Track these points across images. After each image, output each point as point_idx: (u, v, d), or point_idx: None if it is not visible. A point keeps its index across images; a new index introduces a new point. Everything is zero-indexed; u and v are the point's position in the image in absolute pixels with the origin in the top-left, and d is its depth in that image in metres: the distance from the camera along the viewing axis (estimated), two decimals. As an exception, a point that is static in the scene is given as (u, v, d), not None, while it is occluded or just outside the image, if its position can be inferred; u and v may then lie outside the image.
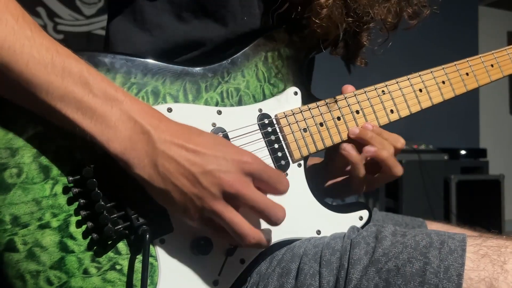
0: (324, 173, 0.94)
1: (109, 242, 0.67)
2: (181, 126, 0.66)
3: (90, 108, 0.62)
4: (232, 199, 0.64)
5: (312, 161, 1.00)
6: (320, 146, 0.83)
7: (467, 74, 0.96)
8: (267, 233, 0.70)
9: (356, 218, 0.84)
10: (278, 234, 0.77)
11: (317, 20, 0.77)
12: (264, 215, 0.66)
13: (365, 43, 0.89)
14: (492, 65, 1.00)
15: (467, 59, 0.97)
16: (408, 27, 0.92)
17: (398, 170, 0.85)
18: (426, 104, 0.92)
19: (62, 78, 0.61)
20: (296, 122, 0.82)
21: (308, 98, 0.85)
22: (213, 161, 0.63)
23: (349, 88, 0.87)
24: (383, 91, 0.89)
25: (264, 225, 0.70)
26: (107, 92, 0.63)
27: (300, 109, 0.83)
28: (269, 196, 0.69)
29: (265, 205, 0.66)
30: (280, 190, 0.69)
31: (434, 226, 1.02)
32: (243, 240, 0.66)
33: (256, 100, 0.80)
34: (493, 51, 1.01)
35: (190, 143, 0.64)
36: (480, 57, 0.99)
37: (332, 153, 0.89)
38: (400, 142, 0.86)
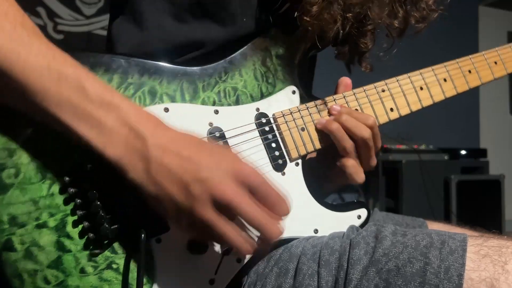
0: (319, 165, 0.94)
1: (106, 242, 0.67)
2: (177, 133, 0.65)
3: (86, 113, 0.62)
4: (225, 210, 0.62)
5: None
6: (318, 145, 0.83)
7: (469, 71, 0.95)
8: (264, 246, 0.67)
9: (354, 217, 0.84)
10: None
11: (308, 18, 0.77)
12: (259, 230, 0.64)
13: (368, 47, 0.88)
14: (495, 62, 0.99)
15: (470, 56, 0.96)
16: (415, 31, 0.91)
17: (347, 145, 0.81)
18: (427, 102, 0.91)
19: (58, 85, 0.61)
20: (294, 120, 0.82)
21: (306, 97, 0.85)
22: (207, 169, 0.62)
23: (345, 80, 0.86)
24: (383, 89, 0.89)
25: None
26: (103, 97, 0.63)
27: (298, 108, 0.83)
28: None
29: (259, 221, 0.63)
30: (277, 210, 0.65)
31: (434, 226, 1.02)
32: (238, 252, 0.65)
33: (253, 100, 0.81)
34: (496, 48, 0.99)
35: (185, 150, 0.63)
36: (483, 54, 0.98)
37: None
38: (371, 119, 0.83)
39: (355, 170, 0.83)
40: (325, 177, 0.91)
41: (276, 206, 0.65)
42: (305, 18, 0.77)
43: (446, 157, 3.46)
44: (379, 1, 0.82)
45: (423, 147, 3.44)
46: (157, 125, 0.64)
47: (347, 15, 0.79)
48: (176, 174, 0.62)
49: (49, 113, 0.61)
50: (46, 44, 0.63)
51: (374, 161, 0.86)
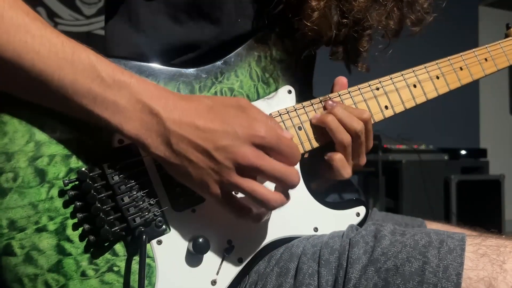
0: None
1: (106, 244, 0.67)
2: (190, 102, 0.67)
3: (99, 93, 0.63)
4: (248, 171, 0.66)
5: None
6: (315, 144, 0.83)
7: (461, 68, 0.97)
8: (286, 193, 0.70)
9: (353, 215, 0.84)
10: (275, 232, 0.77)
11: (308, 23, 0.77)
12: (281, 181, 0.67)
13: (365, 49, 0.88)
14: (486, 59, 1.00)
15: (461, 53, 0.97)
16: (410, 34, 0.91)
17: (344, 137, 0.81)
18: (421, 99, 0.92)
19: (72, 65, 0.62)
20: (291, 120, 0.82)
21: (302, 96, 0.85)
22: (224, 137, 0.65)
23: (341, 80, 0.87)
24: (377, 87, 0.89)
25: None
26: (114, 75, 0.64)
27: (294, 107, 0.83)
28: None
29: (280, 173, 0.67)
30: (293, 160, 0.69)
31: (434, 226, 1.02)
32: (266, 205, 0.67)
33: (250, 100, 0.81)
34: (486, 45, 1.01)
35: (200, 119, 0.65)
36: (473, 51, 0.99)
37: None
38: (366, 113, 0.83)
39: (342, 164, 0.82)
40: (314, 172, 0.90)
41: (290, 156, 0.69)
42: (305, 22, 0.77)
43: (446, 157, 3.46)
44: (378, 7, 0.82)
45: (423, 147, 3.45)
46: (168, 98, 0.66)
47: (345, 21, 0.79)
48: (197, 143, 0.64)
49: (64, 95, 0.63)
50: (56, 30, 0.64)
51: (363, 160, 0.85)
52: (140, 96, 0.64)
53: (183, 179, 0.67)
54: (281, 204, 0.68)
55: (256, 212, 0.69)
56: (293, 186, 0.69)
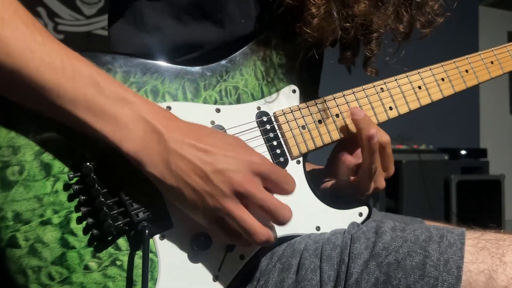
0: (323, 177, 0.94)
1: (109, 238, 0.68)
2: (191, 126, 0.68)
3: (101, 109, 0.63)
4: (242, 198, 0.66)
5: (312, 166, 1.01)
6: (319, 143, 0.84)
7: (466, 71, 0.97)
8: (274, 231, 0.70)
9: (355, 214, 0.84)
10: (278, 230, 0.78)
11: (309, 30, 0.77)
12: (272, 214, 0.67)
13: (373, 53, 0.88)
14: (492, 62, 1.00)
15: (467, 56, 0.97)
16: (421, 36, 0.91)
17: (375, 166, 0.82)
18: (425, 101, 0.92)
19: (72, 81, 0.62)
20: (295, 119, 0.83)
21: (307, 96, 0.86)
22: (224, 161, 0.65)
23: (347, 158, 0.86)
24: (381, 88, 0.90)
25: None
26: (117, 93, 0.64)
27: (298, 106, 0.84)
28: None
29: (274, 205, 0.67)
30: (287, 190, 0.70)
31: (433, 226, 1.03)
32: (253, 237, 0.66)
33: (254, 98, 0.81)
34: (493, 48, 1.01)
35: (201, 142, 0.65)
36: (479, 54, 0.99)
37: (332, 157, 0.91)
38: (386, 137, 0.85)
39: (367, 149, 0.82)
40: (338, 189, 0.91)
41: (285, 184, 0.70)
42: (305, 29, 0.78)
43: (446, 157, 3.46)
44: (383, 11, 0.82)
45: (423, 147, 3.45)
46: (170, 119, 0.67)
47: (348, 25, 0.79)
48: (196, 164, 0.64)
49: (64, 110, 0.63)
50: (57, 43, 0.64)
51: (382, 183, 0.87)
52: (143, 113, 0.65)
53: (175, 200, 0.68)
54: (267, 241, 0.68)
55: (244, 240, 0.69)
56: (283, 222, 0.68)
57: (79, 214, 0.67)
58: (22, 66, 0.60)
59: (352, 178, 0.88)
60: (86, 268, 0.66)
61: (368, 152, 0.82)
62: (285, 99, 0.83)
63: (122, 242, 0.69)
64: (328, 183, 0.92)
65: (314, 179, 0.88)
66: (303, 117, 0.83)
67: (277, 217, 0.68)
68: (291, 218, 0.69)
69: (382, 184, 0.87)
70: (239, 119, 0.79)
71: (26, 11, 0.63)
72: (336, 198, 0.86)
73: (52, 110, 0.63)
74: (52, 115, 0.65)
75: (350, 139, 0.88)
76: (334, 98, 0.86)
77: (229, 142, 0.68)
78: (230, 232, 0.69)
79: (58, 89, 0.62)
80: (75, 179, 0.67)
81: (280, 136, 0.81)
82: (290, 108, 0.83)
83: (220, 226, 0.68)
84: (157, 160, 0.64)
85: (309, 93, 0.87)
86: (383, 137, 0.84)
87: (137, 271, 0.68)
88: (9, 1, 0.62)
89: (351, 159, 0.84)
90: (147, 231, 0.67)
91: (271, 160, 0.80)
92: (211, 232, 0.71)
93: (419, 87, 0.92)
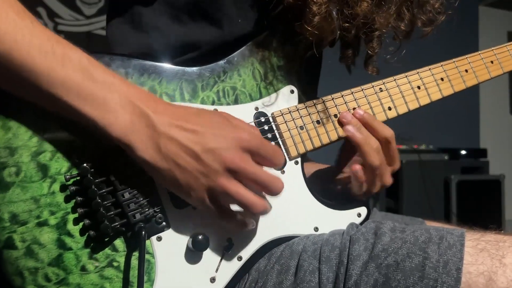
0: (332, 177, 0.94)
1: (106, 239, 0.68)
2: (178, 107, 0.68)
3: (90, 93, 0.63)
4: (234, 174, 0.66)
5: (317, 166, 1.01)
6: (317, 143, 0.84)
7: (466, 70, 0.96)
8: (267, 202, 0.71)
9: (354, 215, 0.84)
10: (275, 231, 0.78)
11: (309, 28, 0.77)
12: (265, 186, 0.69)
13: (375, 51, 0.87)
14: (492, 62, 0.99)
15: (466, 56, 0.97)
16: (422, 35, 0.91)
17: (374, 159, 0.83)
18: (424, 100, 0.92)
19: (62, 65, 0.62)
20: (293, 119, 0.82)
21: (306, 96, 0.86)
22: (213, 139, 0.66)
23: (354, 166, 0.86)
24: (380, 88, 0.89)
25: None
26: (106, 77, 0.65)
27: (296, 107, 0.83)
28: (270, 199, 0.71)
29: (266, 178, 0.68)
30: (276, 163, 0.71)
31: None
32: (251, 209, 0.67)
33: (252, 99, 0.81)
34: (493, 48, 1.00)
35: (189, 122, 0.66)
36: (479, 53, 0.98)
37: (342, 157, 0.91)
38: (389, 131, 0.85)
39: (368, 150, 0.83)
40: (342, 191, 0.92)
41: (274, 158, 0.71)
42: (306, 27, 0.77)
43: (446, 157, 3.46)
44: (385, 10, 0.82)
45: (423, 147, 3.44)
46: (157, 102, 0.67)
47: (347, 25, 0.79)
48: (186, 145, 0.65)
49: (53, 95, 0.63)
50: (48, 30, 0.65)
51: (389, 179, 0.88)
52: (131, 97, 0.65)
53: (168, 183, 0.68)
54: (264, 210, 0.69)
55: (240, 218, 0.70)
56: (276, 192, 0.70)
57: (76, 215, 0.67)
58: (12, 49, 0.60)
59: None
60: (83, 269, 0.66)
61: (357, 147, 0.83)
62: (284, 100, 0.83)
63: (119, 243, 0.69)
64: (339, 186, 0.92)
65: (320, 179, 0.87)
66: (301, 117, 0.83)
67: (270, 189, 0.69)
68: (283, 188, 0.70)
69: (388, 180, 0.87)
70: (237, 119, 0.79)
71: (18, 2, 0.63)
72: (334, 199, 0.86)
73: (42, 96, 0.63)
74: (42, 102, 0.65)
75: None
76: (332, 99, 0.86)
77: (216, 121, 0.68)
78: (223, 211, 0.69)
79: (48, 73, 0.62)
80: (72, 180, 0.67)
81: (278, 136, 0.81)
82: (288, 109, 0.83)
83: (215, 205, 0.68)
84: (147, 144, 0.64)
85: (307, 93, 0.86)
86: (386, 132, 0.85)
87: (134, 272, 0.68)
88: None
89: (357, 167, 0.84)
90: (143, 232, 0.67)
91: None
92: (205, 212, 0.70)
93: (418, 87, 0.92)
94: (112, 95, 0.64)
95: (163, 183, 0.68)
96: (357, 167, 0.83)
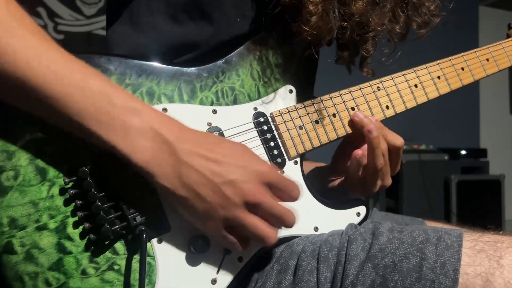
0: (329, 175, 0.95)
1: (107, 243, 0.67)
2: (200, 135, 0.68)
3: (110, 118, 0.62)
4: (252, 207, 0.67)
5: (315, 164, 1.01)
6: (316, 143, 0.84)
7: (462, 68, 0.97)
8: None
9: (353, 214, 0.84)
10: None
11: (307, 28, 0.77)
12: (281, 220, 0.69)
13: (369, 53, 0.88)
14: (487, 59, 1.00)
15: (462, 54, 0.97)
16: (417, 37, 0.91)
17: (379, 162, 0.84)
18: (422, 99, 0.92)
19: (81, 90, 0.62)
20: (292, 119, 0.82)
21: (303, 96, 0.85)
22: (234, 172, 0.66)
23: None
24: (378, 87, 0.90)
25: None
26: (126, 102, 0.64)
27: (295, 107, 0.83)
28: None
29: (281, 212, 0.69)
30: (293, 197, 0.71)
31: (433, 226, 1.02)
32: (265, 241, 0.68)
33: (251, 99, 0.81)
34: (488, 46, 1.01)
35: (211, 152, 0.66)
36: (475, 51, 0.99)
37: (338, 155, 0.92)
38: (399, 140, 0.88)
39: (377, 154, 0.84)
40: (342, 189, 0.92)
41: (292, 194, 0.71)
42: (303, 27, 0.77)
43: (446, 157, 3.46)
44: (380, 10, 0.82)
45: (423, 147, 3.45)
46: (180, 129, 0.66)
47: (345, 24, 0.79)
48: (206, 176, 0.64)
49: (72, 120, 0.62)
50: (65, 52, 0.63)
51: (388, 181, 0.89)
52: (152, 123, 0.64)
53: (186, 211, 0.67)
54: (273, 242, 0.69)
55: (247, 246, 0.71)
56: (291, 225, 0.71)
57: (76, 218, 0.66)
58: (29, 75, 0.60)
59: (361, 174, 0.88)
60: (84, 273, 0.66)
61: (370, 148, 0.83)
62: (282, 99, 0.83)
63: (119, 246, 0.68)
64: (336, 181, 0.92)
65: (318, 177, 0.87)
66: (300, 117, 0.83)
67: (285, 222, 0.70)
68: (297, 221, 0.71)
69: (388, 182, 0.89)
70: (236, 120, 0.79)
71: (31, 20, 0.63)
72: (334, 198, 0.86)
73: (61, 119, 0.63)
74: (60, 125, 0.64)
75: (354, 137, 0.89)
76: (331, 98, 0.86)
77: (237, 152, 0.68)
78: (234, 242, 0.69)
79: (66, 99, 0.61)
80: (71, 183, 0.67)
81: (277, 136, 0.81)
82: (287, 109, 0.83)
83: (228, 237, 0.68)
84: (168, 172, 0.64)
85: (305, 93, 0.86)
86: (397, 141, 0.87)
87: (135, 275, 0.68)
88: (15, 10, 0.61)
89: (360, 152, 0.85)
90: (144, 235, 0.66)
91: (268, 162, 0.79)
92: (217, 241, 0.71)
93: (416, 86, 0.92)
94: (133, 120, 0.63)
95: (181, 211, 0.68)
96: (359, 152, 0.85)
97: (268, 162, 0.76)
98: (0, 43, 0.59)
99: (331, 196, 0.88)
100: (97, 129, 0.62)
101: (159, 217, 0.70)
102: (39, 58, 0.60)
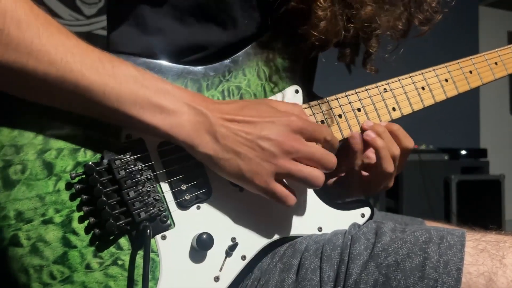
0: (329, 176, 0.95)
1: (111, 238, 0.68)
2: (226, 103, 0.72)
3: (147, 100, 0.66)
4: (291, 155, 0.71)
5: None
6: None
7: (470, 72, 0.97)
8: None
9: (358, 215, 0.84)
10: (279, 231, 0.78)
11: (316, 33, 0.78)
12: (320, 162, 0.73)
13: (374, 50, 0.88)
14: (496, 63, 1.00)
15: (471, 57, 0.97)
16: (419, 34, 0.92)
17: (389, 166, 0.85)
18: (429, 102, 0.92)
19: (114, 78, 0.64)
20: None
21: (309, 96, 0.86)
22: (265, 127, 0.70)
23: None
24: (385, 89, 0.90)
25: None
26: (156, 84, 0.67)
27: (301, 107, 0.83)
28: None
29: (321, 154, 0.73)
30: (325, 137, 0.75)
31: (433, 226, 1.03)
32: (314, 182, 0.72)
33: (257, 98, 0.81)
34: (497, 49, 1.01)
35: (239, 115, 0.70)
36: (483, 54, 0.99)
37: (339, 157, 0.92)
38: (411, 143, 0.88)
39: (385, 155, 0.85)
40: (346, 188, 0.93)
41: (323, 134, 0.75)
42: (312, 32, 0.78)
43: (446, 157, 3.47)
44: (386, 12, 0.82)
45: (423, 147, 3.45)
46: (207, 101, 0.70)
47: (351, 25, 0.80)
48: (242, 136, 0.69)
49: (111, 108, 0.65)
50: (87, 43, 0.66)
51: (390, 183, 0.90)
52: (184, 99, 0.68)
53: (232, 174, 0.70)
54: (322, 182, 0.73)
55: (292, 197, 0.73)
56: (331, 166, 0.74)
57: (81, 213, 0.67)
58: (65, 71, 0.61)
59: (364, 174, 0.89)
60: (88, 267, 0.66)
61: (377, 153, 0.85)
62: (289, 100, 0.83)
63: (123, 241, 0.69)
64: (336, 180, 0.93)
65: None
66: None
67: (325, 164, 0.73)
68: (336, 162, 0.75)
69: (392, 183, 0.90)
70: (242, 119, 0.79)
71: (52, 18, 0.64)
72: (338, 199, 0.86)
73: (99, 110, 0.65)
74: (98, 115, 0.66)
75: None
76: (337, 99, 0.86)
77: (264, 109, 0.72)
78: (281, 194, 0.72)
79: (103, 89, 0.63)
80: (77, 178, 0.67)
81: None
82: (293, 109, 0.83)
83: (278, 188, 0.71)
84: (208, 139, 0.68)
85: (310, 93, 0.87)
86: (409, 143, 0.88)
87: (139, 271, 0.68)
88: (37, 10, 0.63)
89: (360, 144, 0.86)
90: (148, 231, 0.67)
91: None
92: (269, 196, 0.72)
93: (423, 88, 0.92)
94: (167, 99, 0.67)
95: (227, 176, 0.71)
96: (356, 134, 0.85)
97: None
98: (33, 44, 0.60)
99: (331, 194, 0.88)
100: (136, 113, 0.65)
101: (163, 213, 0.71)
102: (72, 53, 0.62)
